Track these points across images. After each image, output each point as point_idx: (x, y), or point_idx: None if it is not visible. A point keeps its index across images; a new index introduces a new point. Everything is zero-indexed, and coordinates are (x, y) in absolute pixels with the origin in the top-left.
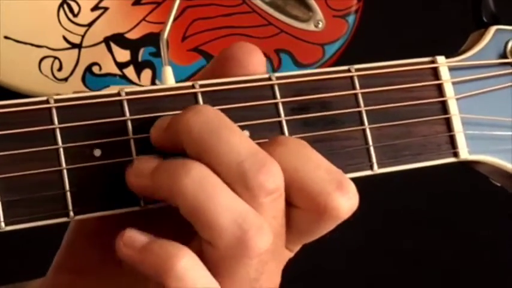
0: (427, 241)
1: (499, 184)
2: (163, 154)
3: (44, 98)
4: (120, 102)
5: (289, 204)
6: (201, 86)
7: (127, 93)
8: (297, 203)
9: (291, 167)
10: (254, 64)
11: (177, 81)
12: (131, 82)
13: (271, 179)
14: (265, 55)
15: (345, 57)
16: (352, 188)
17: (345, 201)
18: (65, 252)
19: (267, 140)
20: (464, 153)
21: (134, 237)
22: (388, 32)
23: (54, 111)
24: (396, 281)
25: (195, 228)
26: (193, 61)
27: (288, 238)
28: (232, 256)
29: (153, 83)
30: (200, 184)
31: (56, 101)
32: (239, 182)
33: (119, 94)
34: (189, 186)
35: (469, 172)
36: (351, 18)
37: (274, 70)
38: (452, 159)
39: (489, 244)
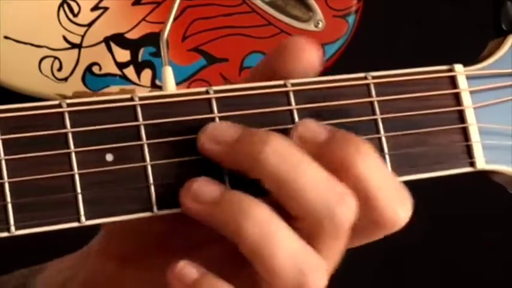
0: (428, 241)
1: None
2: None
3: (57, 102)
4: (134, 107)
5: None
6: (215, 91)
7: (140, 98)
8: (362, 213)
9: (369, 183)
10: (307, 57)
11: (177, 82)
12: (131, 82)
13: (351, 212)
14: (265, 55)
15: (345, 57)
16: (409, 199)
17: (406, 213)
18: (109, 239)
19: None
20: (481, 163)
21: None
22: (388, 32)
23: (66, 116)
24: (396, 281)
25: (253, 266)
26: (193, 61)
27: None
28: None
29: (153, 83)
30: (263, 229)
31: (69, 105)
32: (322, 217)
33: (132, 99)
34: (250, 231)
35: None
36: (351, 18)
37: None
38: (468, 169)
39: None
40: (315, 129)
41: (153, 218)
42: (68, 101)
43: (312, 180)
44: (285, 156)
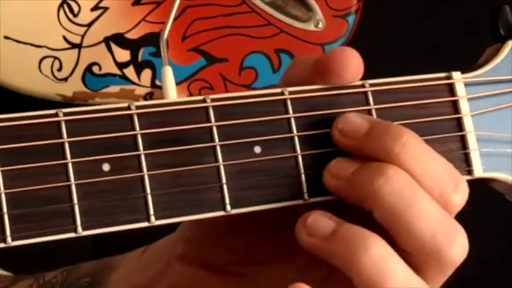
0: None
1: None
2: None
3: (53, 111)
4: (130, 116)
5: None
6: (212, 100)
7: (137, 107)
8: None
9: (411, 168)
10: (352, 70)
11: (177, 82)
12: (131, 82)
13: (462, 251)
14: (265, 55)
15: None
16: (463, 180)
17: (460, 198)
18: (193, 246)
19: (282, 159)
20: (479, 171)
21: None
22: (388, 32)
23: (63, 125)
24: None
25: None
26: (193, 61)
27: None
28: None
29: (153, 83)
30: (378, 265)
31: (65, 114)
32: (431, 256)
33: (129, 108)
34: (366, 264)
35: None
36: (351, 18)
37: (274, 70)
38: (466, 177)
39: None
40: (355, 121)
41: (244, 228)
42: (65, 110)
43: (426, 216)
44: (401, 191)
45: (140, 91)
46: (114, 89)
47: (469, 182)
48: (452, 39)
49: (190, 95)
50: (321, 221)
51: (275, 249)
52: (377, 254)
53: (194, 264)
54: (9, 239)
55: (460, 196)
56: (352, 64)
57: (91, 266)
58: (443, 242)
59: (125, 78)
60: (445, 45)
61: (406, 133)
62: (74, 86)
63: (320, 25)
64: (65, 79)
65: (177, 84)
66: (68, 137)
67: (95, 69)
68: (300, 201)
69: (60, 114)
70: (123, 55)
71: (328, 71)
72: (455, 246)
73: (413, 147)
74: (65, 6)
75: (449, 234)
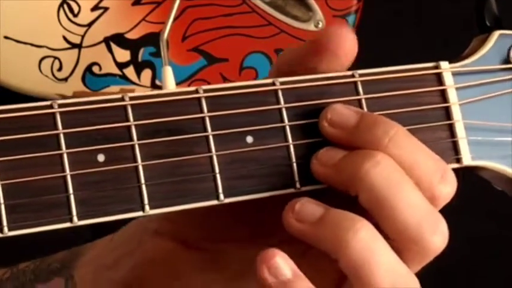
0: None
1: (500, 188)
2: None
3: (48, 103)
4: (124, 107)
5: None
6: (205, 91)
7: (131, 98)
8: None
9: (399, 159)
10: (348, 47)
11: (177, 81)
12: (131, 82)
13: (443, 239)
14: (265, 55)
15: None
16: (452, 174)
17: (448, 189)
18: (167, 221)
19: (274, 148)
20: (467, 159)
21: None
22: (388, 32)
23: (58, 116)
24: None
25: (351, 280)
26: (193, 61)
27: None
28: None
29: (153, 83)
30: (366, 247)
31: (60, 105)
32: (414, 241)
33: (122, 99)
34: (354, 247)
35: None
36: (351, 18)
37: None
38: (455, 165)
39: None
40: (344, 112)
41: (220, 208)
42: (59, 101)
43: (411, 203)
44: (388, 176)
45: (140, 91)
46: (114, 89)
47: (457, 170)
48: (452, 39)
49: None
50: (309, 207)
51: (250, 229)
52: (365, 237)
53: (168, 239)
54: (5, 229)
55: (447, 186)
56: (347, 41)
57: (62, 254)
58: (426, 230)
59: (125, 78)
60: (445, 45)
61: (395, 125)
62: (74, 86)
63: (320, 25)
64: (65, 79)
65: (177, 84)
66: (63, 128)
67: (95, 69)
68: (291, 190)
69: (55, 106)
70: (123, 55)
71: (323, 49)
72: (437, 235)
73: (402, 140)
74: (65, 6)
75: (432, 222)
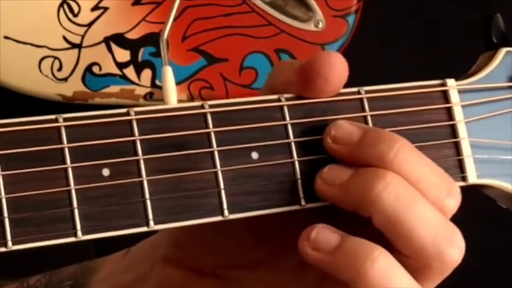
0: None
1: (505, 206)
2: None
3: (53, 117)
4: (130, 121)
5: None
6: (210, 106)
7: (136, 113)
8: None
9: (405, 173)
10: (337, 76)
11: (177, 82)
12: (131, 82)
13: (460, 251)
14: (265, 55)
15: (345, 57)
16: (455, 185)
17: (454, 201)
18: (178, 248)
19: (280, 164)
20: (473, 178)
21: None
22: (388, 32)
23: (63, 130)
24: None
25: None
26: (193, 61)
27: None
28: None
29: (153, 83)
30: (384, 277)
31: (65, 119)
32: (432, 258)
33: (128, 113)
34: (373, 277)
35: None
36: (351, 18)
37: None
38: (460, 183)
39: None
40: (348, 128)
41: (231, 232)
42: (64, 115)
43: (425, 220)
44: (400, 196)
45: (140, 91)
46: (114, 89)
47: (462, 188)
48: (452, 39)
49: (191, 95)
50: (325, 235)
51: (266, 251)
52: (383, 266)
53: (179, 267)
54: (9, 243)
55: (453, 200)
56: (338, 67)
57: (74, 269)
58: (443, 244)
59: (125, 78)
60: (445, 45)
61: (399, 140)
62: (74, 86)
63: (320, 25)
64: (65, 79)
65: (177, 84)
66: (68, 142)
67: (95, 69)
68: (296, 207)
69: (60, 120)
70: (123, 55)
71: (314, 75)
72: (454, 247)
73: (406, 153)
74: (65, 6)
75: (448, 235)
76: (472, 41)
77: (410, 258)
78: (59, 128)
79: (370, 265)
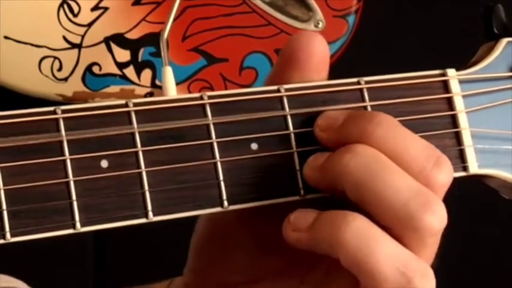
0: None
1: (507, 197)
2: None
3: (51, 108)
4: (128, 113)
5: None
6: (209, 97)
7: (135, 104)
8: None
9: (386, 147)
10: (318, 51)
11: (177, 81)
12: (131, 82)
13: (438, 220)
14: (265, 55)
15: (345, 57)
16: (447, 161)
17: (443, 175)
18: (193, 273)
19: (279, 155)
20: (474, 168)
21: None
22: (388, 32)
23: (61, 122)
24: None
25: (357, 277)
26: (193, 61)
27: None
28: None
29: (153, 83)
30: (361, 237)
31: (63, 111)
32: (406, 224)
33: (126, 105)
34: (349, 240)
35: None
36: (351, 18)
37: None
38: (461, 174)
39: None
40: (332, 114)
41: (238, 244)
42: (63, 107)
43: (395, 185)
44: (368, 163)
45: (140, 91)
46: (114, 89)
47: (464, 178)
48: (452, 39)
49: None
50: (303, 215)
51: (283, 259)
52: (358, 228)
53: (195, 274)
54: (8, 235)
55: (442, 173)
56: (316, 44)
57: None
58: (415, 209)
59: (125, 78)
60: (446, 45)
61: (379, 115)
62: (74, 86)
63: (320, 25)
64: (65, 79)
65: (177, 84)
66: (66, 134)
67: (95, 69)
68: (296, 197)
69: (59, 112)
70: (123, 55)
71: (295, 54)
72: (430, 213)
73: (387, 127)
74: (65, 6)
75: (422, 201)
76: (473, 38)
77: (389, 228)
78: (57, 119)
79: (343, 229)
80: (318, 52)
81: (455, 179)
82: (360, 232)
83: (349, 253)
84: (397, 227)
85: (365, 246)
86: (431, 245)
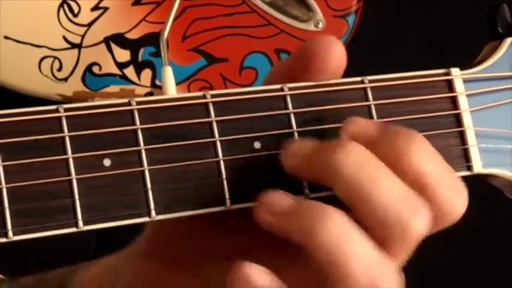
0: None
1: (511, 197)
2: None
3: (54, 107)
4: (131, 111)
5: None
6: (212, 96)
7: (137, 103)
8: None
9: (421, 172)
10: (336, 57)
11: (177, 81)
12: (131, 82)
13: (424, 225)
14: (265, 55)
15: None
16: (465, 190)
17: (462, 205)
18: (154, 240)
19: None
20: (478, 167)
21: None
22: (388, 32)
23: (64, 120)
24: None
25: (325, 271)
26: (193, 61)
27: None
28: None
29: (153, 83)
30: (337, 235)
31: (66, 110)
32: (392, 228)
33: (129, 103)
34: (325, 239)
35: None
36: (351, 18)
37: None
38: (465, 173)
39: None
40: (364, 124)
41: (198, 223)
42: (65, 106)
43: (387, 187)
44: (361, 164)
45: (140, 91)
46: (114, 89)
47: (468, 178)
48: (453, 38)
49: None
50: (279, 198)
51: (233, 246)
52: (336, 225)
53: (153, 260)
54: (10, 233)
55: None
56: (335, 49)
57: (62, 271)
58: (405, 214)
59: (125, 78)
60: (446, 45)
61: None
62: (74, 86)
63: (320, 25)
64: (65, 79)
65: (177, 84)
66: (69, 132)
67: (95, 69)
68: (302, 196)
69: (61, 110)
70: (123, 55)
71: (312, 56)
72: (418, 218)
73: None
74: (65, 6)
75: (411, 206)
76: (474, 38)
77: (374, 230)
78: (59, 118)
79: (321, 224)
80: (337, 57)
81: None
82: (336, 230)
83: (322, 250)
84: (383, 229)
85: (339, 245)
86: (410, 250)
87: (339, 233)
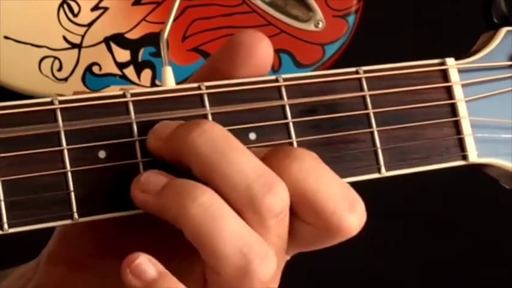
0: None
1: (508, 187)
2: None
3: (49, 99)
4: (126, 103)
5: (295, 216)
6: (207, 87)
7: (132, 95)
8: (307, 219)
9: (305, 185)
10: (262, 51)
11: (177, 81)
12: (131, 82)
13: (279, 202)
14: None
15: (345, 57)
16: (362, 206)
17: (356, 220)
18: (58, 242)
19: (277, 145)
20: (473, 156)
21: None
22: (389, 32)
23: (58, 113)
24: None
25: (200, 252)
26: (193, 61)
27: (289, 246)
28: (236, 285)
29: (153, 83)
30: (207, 212)
31: (61, 102)
32: (247, 205)
33: (124, 95)
34: (195, 213)
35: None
36: (351, 18)
37: (274, 70)
38: (461, 162)
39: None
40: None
41: (101, 227)
42: (60, 98)
43: (239, 166)
44: (216, 141)
45: (139, 89)
46: (114, 89)
47: (463, 167)
48: (453, 38)
49: None
50: (154, 177)
51: (140, 244)
52: (206, 203)
53: (58, 263)
54: (5, 225)
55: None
56: (263, 43)
57: None
58: (257, 190)
59: (125, 78)
60: (446, 45)
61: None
62: (74, 86)
63: (320, 25)
64: (65, 79)
65: (177, 84)
66: (64, 124)
67: (95, 69)
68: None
69: (56, 102)
70: (123, 55)
71: (238, 46)
72: (270, 195)
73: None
74: (65, 6)
75: (265, 184)
76: (473, 38)
77: (236, 209)
78: (54, 110)
79: (191, 201)
80: (262, 51)
81: (454, 169)
82: (206, 207)
83: (193, 227)
84: (239, 207)
85: (209, 223)
86: (274, 228)
87: (209, 210)
